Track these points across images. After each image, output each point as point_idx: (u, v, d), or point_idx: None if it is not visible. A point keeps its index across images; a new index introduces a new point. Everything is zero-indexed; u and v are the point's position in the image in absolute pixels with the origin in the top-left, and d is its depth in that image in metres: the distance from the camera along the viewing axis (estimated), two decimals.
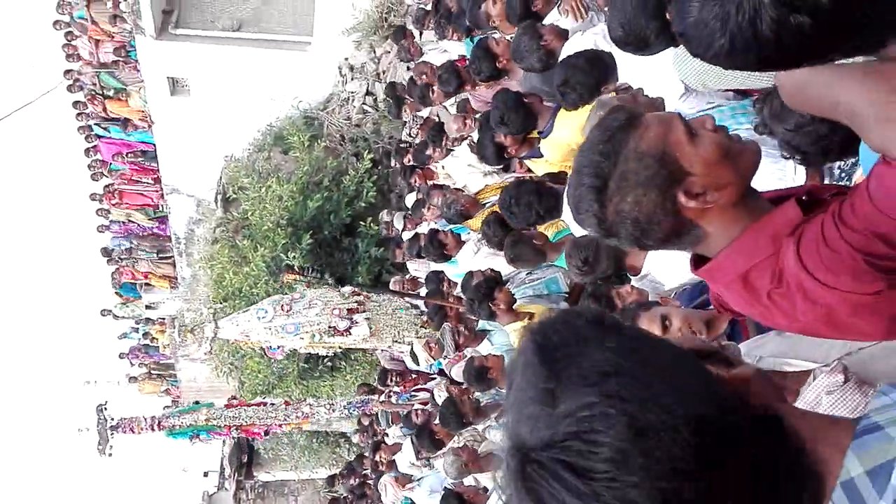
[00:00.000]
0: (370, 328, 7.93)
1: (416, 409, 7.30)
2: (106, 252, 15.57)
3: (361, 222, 10.08)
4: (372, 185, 10.30)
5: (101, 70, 12.52)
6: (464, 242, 6.11)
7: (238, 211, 10.98)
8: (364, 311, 7.98)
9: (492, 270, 5.15)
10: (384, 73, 10.37)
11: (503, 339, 5.56)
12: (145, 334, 16.66)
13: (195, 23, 11.39)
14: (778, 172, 2.33)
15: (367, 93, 10.82)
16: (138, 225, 15.10)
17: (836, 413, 1.41)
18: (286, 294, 8.49)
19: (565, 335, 0.89)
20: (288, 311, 7.93)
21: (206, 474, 19.72)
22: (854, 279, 1.17)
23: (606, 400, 0.81)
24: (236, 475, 15.00)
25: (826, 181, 2.28)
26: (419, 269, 7.88)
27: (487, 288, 4.86)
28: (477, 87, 5.63)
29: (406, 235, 7.94)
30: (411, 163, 7.76)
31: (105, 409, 9.26)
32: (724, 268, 1.34)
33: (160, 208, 14.21)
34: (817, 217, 1.24)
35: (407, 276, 8.48)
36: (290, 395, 11.57)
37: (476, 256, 5.85)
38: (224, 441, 15.53)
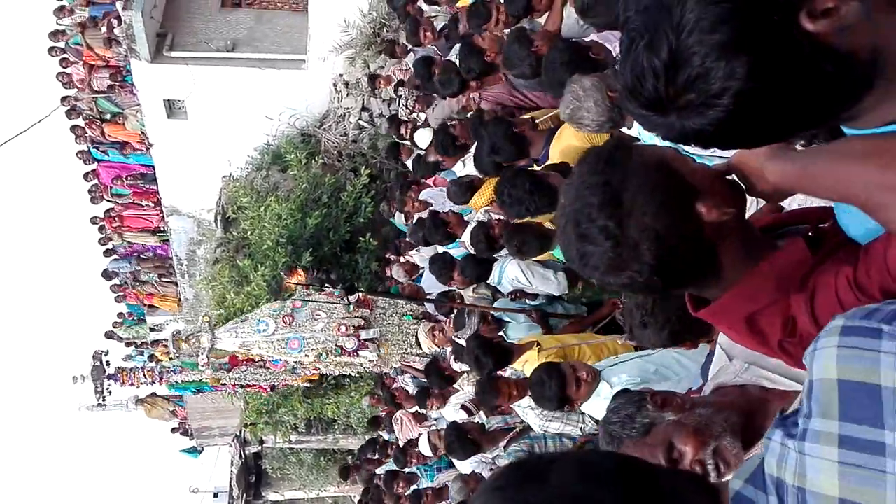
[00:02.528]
0: (379, 353, 7.64)
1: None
2: (107, 275, 15.59)
3: (361, 238, 10.07)
4: (370, 200, 10.28)
5: (97, 95, 12.56)
6: (467, 222, 5.96)
7: (238, 231, 10.98)
8: (371, 328, 7.66)
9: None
10: (379, 88, 10.36)
11: (518, 332, 5.41)
12: (150, 356, 16.63)
13: (189, 45, 11.44)
14: None
15: (363, 108, 10.82)
16: (142, 245, 15.14)
17: None
18: (286, 302, 8.06)
19: None
20: (290, 324, 7.56)
21: (216, 495, 19.70)
22: None
23: None
24: (245, 495, 14.94)
25: None
26: (424, 258, 7.55)
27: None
28: (480, 88, 5.50)
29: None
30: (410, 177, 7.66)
31: (103, 356, 8.98)
32: (729, 310, 1.27)
33: (160, 230, 14.24)
34: (826, 270, 1.19)
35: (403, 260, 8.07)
36: (295, 414, 11.56)
37: None
38: (232, 460, 15.51)
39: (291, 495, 15.74)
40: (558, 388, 3.70)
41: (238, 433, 14.14)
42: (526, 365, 4.56)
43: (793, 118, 0.97)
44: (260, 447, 14.46)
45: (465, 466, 5.95)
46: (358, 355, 7.57)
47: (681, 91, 0.92)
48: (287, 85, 10.99)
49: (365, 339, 7.53)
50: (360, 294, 7.96)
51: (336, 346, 7.54)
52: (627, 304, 3.16)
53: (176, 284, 14.84)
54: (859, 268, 1.15)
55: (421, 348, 6.96)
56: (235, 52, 11.35)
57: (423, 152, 7.03)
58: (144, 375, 8.60)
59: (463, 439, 5.07)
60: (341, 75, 10.75)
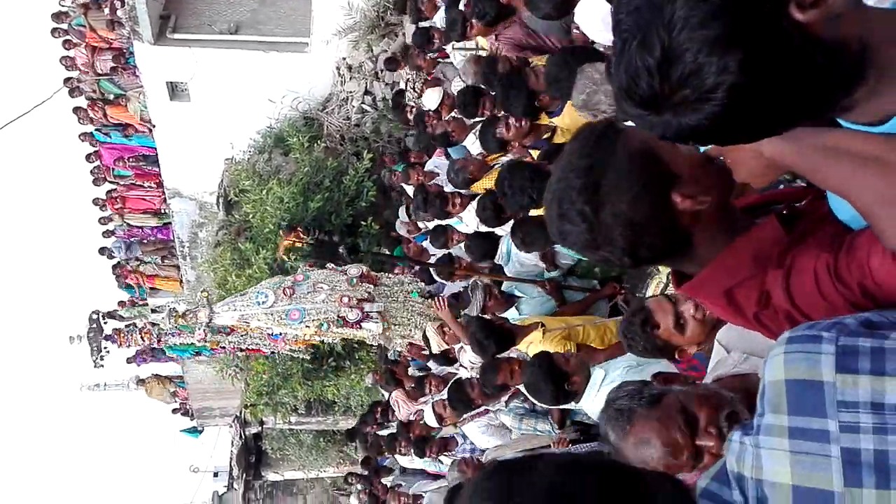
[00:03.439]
0: (383, 326, 7.38)
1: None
2: (107, 253, 15.60)
3: (363, 222, 10.09)
4: (372, 184, 10.30)
5: (100, 78, 12.56)
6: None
7: (240, 213, 11.01)
8: (375, 302, 7.38)
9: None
10: (382, 71, 10.37)
11: (531, 308, 5.39)
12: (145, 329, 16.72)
13: (192, 27, 11.42)
14: None
15: (366, 92, 10.82)
16: (142, 229, 15.16)
17: None
18: (287, 276, 7.92)
19: None
20: (291, 296, 7.36)
21: (215, 474, 19.87)
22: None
23: None
24: (245, 475, 15.07)
25: None
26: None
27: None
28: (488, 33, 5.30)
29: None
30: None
31: (100, 316, 8.83)
32: (707, 284, 1.34)
33: (162, 213, 14.26)
34: (806, 252, 1.25)
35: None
36: (295, 396, 11.62)
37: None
38: (232, 440, 15.62)
39: (291, 475, 15.87)
40: (552, 381, 3.75)
41: (238, 414, 14.23)
42: (530, 347, 4.58)
43: (787, 111, 0.98)
44: (260, 428, 14.56)
45: (481, 440, 5.94)
46: (361, 327, 7.32)
47: (675, 88, 0.93)
48: (290, 68, 10.99)
49: (368, 312, 7.31)
50: (364, 269, 7.71)
51: (338, 316, 7.30)
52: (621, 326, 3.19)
53: (178, 267, 14.89)
54: (840, 259, 1.20)
55: (430, 348, 6.66)
56: (238, 35, 11.33)
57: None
58: (141, 336, 8.45)
59: (462, 393, 5.10)
60: (344, 59, 10.74)
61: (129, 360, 17.08)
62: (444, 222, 6.40)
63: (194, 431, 17.29)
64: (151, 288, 15.98)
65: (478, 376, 4.88)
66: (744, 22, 0.90)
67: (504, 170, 4.48)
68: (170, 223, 14.13)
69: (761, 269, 1.28)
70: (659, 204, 1.24)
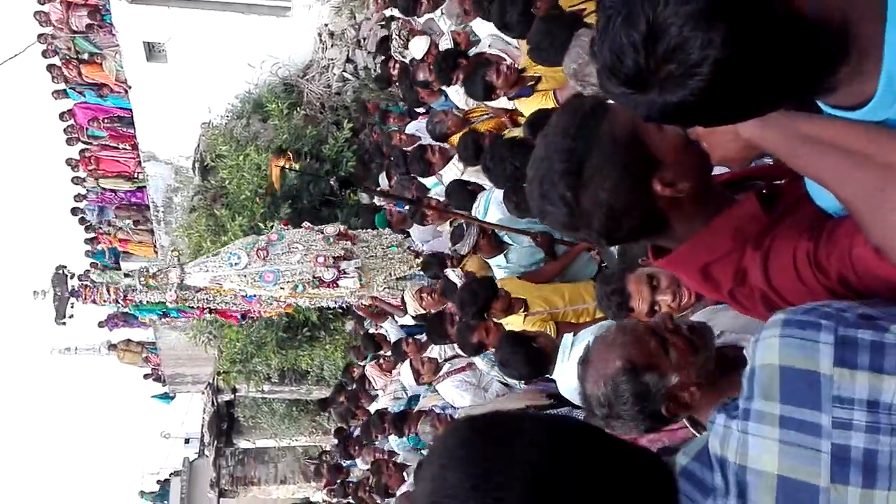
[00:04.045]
0: (361, 280, 7.13)
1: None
2: (80, 215, 15.36)
3: (341, 192, 10.00)
4: (352, 154, 10.19)
5: (74, 35, 12.25)
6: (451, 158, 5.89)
7: (216, 179, 10.87)
8: (353, 258, 7.16)
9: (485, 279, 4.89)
10: (364, 39, 10.22)
11: (519, 256, 5.31)
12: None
13: None
14: None
15: (348, 60, 10.67)
16: (115, 193, 14.92)
17: None
18: (260, 236, 7.67)
19: None
20: (264, 258, 7.10)
21: (186, 441, 19.87)
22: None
23: None
24: (216, 442, 15.06)
25: None
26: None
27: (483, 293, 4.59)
28: None
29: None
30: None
31: (65, 270, 8.58)
32: (685, 260, 1.36)
33: (136, 176, 14.03)
34: (785, 235, 1.26)
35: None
36: (269, 364, 11.60)
37: (462, 175, 5.72)
38: (204, 407, 15.59)
39: (263, 444, 15.90)
40: (524, 362, 3.79)
41: (211, 381, 14.19)
42: (510, 328, 4.58)
43: (772, 89, 0.98)
44: (233, 395, 14.53)
45: (456, 397, 5.92)
46: (337, 286, 7.11)
47: (661, 62, 0.93)
48: (271, 32, 10.78)
49: (345, 269, 7.10)
50: (341, 228, 7.47)
51: (314, 277, 7.05)
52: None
53: (151, 231, 14.70)
54: (820, 247, 1.20)
55: (406, 311, 6.57)
56: None
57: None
58: (108, 292, 8.22)
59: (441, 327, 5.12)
60: (326, 25, 10.57)
61: (100, 325, 16.93)
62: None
63: (166, 397, 17.23)
64: (124, 252, 15.79)
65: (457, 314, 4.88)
66: None
67: (487, 149, 4.45)
68: (144, 187, 13.92)
69: (739, 246, 1.29)
70: (639, 190, 1.25)
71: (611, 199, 1.24)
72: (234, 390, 14.09)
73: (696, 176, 1.28)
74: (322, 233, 7.28)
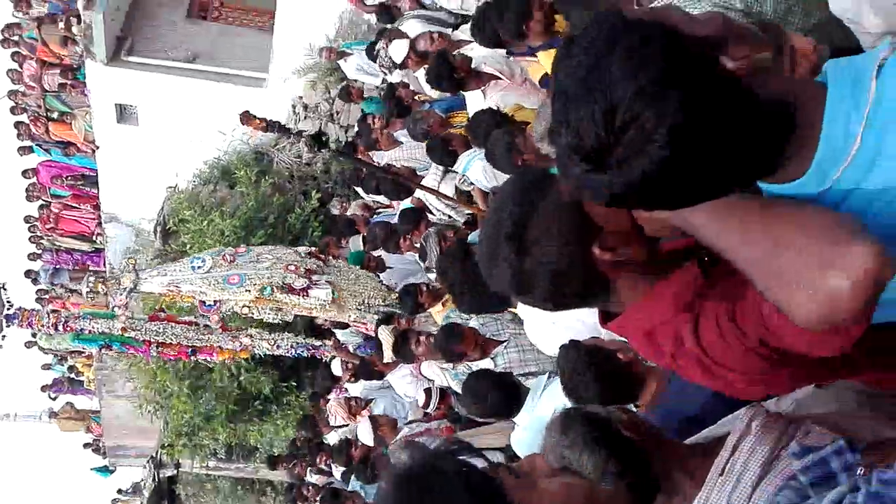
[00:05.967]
0: (333, 294, 6.73)
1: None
2: (32, 277, 14.93)
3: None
4: (318, 224, 10.14)
5: (46, 93, 12.22)
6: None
7: (177, 244, 10.68)
8: (325, 273, 6.83)
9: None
10: (337, 114, 10.34)
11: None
12: (71, 367, 15.98)
13: (149, 52, 11.24)
14: None
15: (320, 132, 10.74)
16: (71, 255, 14.57)
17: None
18: (227, 248, 7.33)
19: None
20: (231, 262, 6.76)
21: None
22: (746, 363, 1.25)
23: None
24: None
25: None
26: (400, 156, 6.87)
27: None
28: None
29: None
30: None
31: (4, 289, 7.91)
32: (630, 324, 1.38)
33: (95, 239, 13.75)
34: (713, 295, 1.28)
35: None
36: (216, 439, 11.16)
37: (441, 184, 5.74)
38: (144, 484, 14.86)
39: None
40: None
41: (154, 454, 13.58)
42: (438, 315, 4.75)
43: (727, 164, 1.01)
44: (175, 471, 13.90)
45: (403, 387, 5.80)
46: (308, 295, 6.74)
47: (620, 132, 0.96)
48: (245, 101, 10.73)
49: (317, 281, 6.74)
50: (313, 249, 7.28)
51: (283, 283, 6.66)
52: None
53: (107, 294, 14.32)
54: (737, 307, 1.22)
55: (381, 354, 6.02)
56: (196, 64, 11.19)
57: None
58: (48, 316, 7.66)
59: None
60: (301, 97, 10.68)
61: (43, 389, 16.28)
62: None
63: (105, 471, 16.41)
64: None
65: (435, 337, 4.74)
66: (679, 66, 0.97)
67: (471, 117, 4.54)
68: (102, 250, 13.63)
69: (679, 311, 1.31)
70: (580, 255, 1.28)
71: (552, 263, 1.28)
72: (178, 465, 13.49)
73: (637, 242, 1.30)
74: (294, 249, 7.09)
